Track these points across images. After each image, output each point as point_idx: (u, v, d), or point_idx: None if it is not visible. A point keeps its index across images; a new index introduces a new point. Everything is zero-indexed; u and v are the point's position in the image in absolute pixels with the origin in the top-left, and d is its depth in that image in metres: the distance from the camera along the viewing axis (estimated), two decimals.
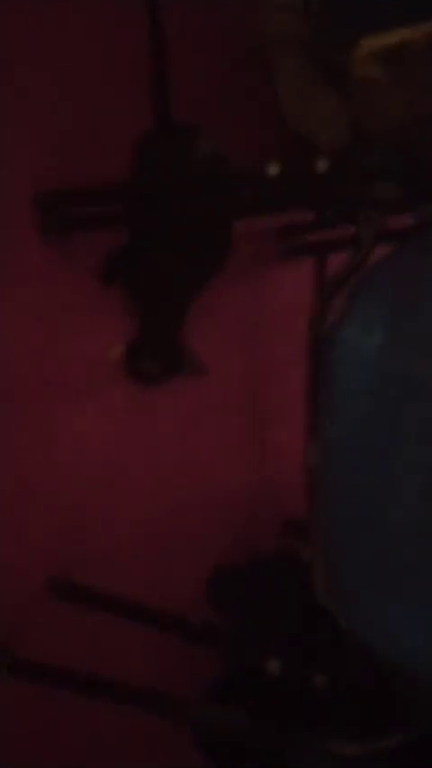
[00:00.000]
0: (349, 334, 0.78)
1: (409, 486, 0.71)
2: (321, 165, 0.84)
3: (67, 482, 1.11)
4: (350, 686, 0.98)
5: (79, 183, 1.05)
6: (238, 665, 1.13)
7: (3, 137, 1.04)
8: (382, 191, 0.82)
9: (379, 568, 0.74)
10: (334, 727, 0.98)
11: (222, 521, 1.22)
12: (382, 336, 0.75)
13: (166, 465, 1.19)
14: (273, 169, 0.86)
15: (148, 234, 1.10)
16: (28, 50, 1.07)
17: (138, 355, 1.13)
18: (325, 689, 0.97)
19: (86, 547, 1.12)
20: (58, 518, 1.10)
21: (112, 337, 1.13)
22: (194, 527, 1.20)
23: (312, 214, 1.16)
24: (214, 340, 1.21)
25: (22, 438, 1.07)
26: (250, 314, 1.26)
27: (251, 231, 1.19)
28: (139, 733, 1.08)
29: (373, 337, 0.76)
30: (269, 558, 1.19)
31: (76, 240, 1.08)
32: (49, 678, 1.01)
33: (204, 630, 1.06)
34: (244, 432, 1.25)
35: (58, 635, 1.06)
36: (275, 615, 1.09)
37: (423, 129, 0.86)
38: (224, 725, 0.96)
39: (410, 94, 0.87)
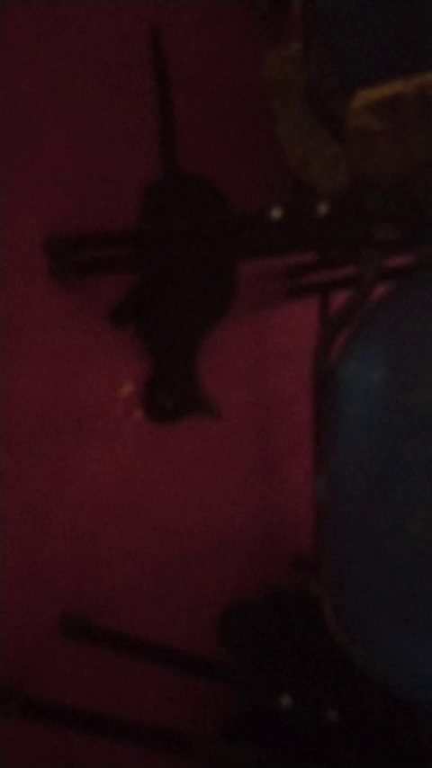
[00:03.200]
0: (352, 368, 0.80)
1: (416, 515, 0.71)
2: (322, 209, 0.86)
3: (80, 520, 1.11)
4: (363, 721, 0.97)
5: (89, 228, 1.08)
6: (251, 702, 1.12)
7: (16, 184, 1.07)
8: (380, 232, 0.84)
9: (390, 599, 0.74)
10: (347, 762, 0.97)
11: (233, 556, 1.22)
12: (384, 370, 0.76)
13: (177, 502, 1.19)
14: (276, 213, 0.87)
15: (157, 277, 1.12)
16: (43, 101, 1.10)
17: (154, 393, 1.15)
18: (338, 724, 0.96)
19: (98, 585, 1.11)
20: (71, 556, 1.10)
21: (123, 376, 1.15)
22: (206, 563, 1.19)
23: (315, 255, 1.19)
24: (222, 378, 1.22)
25: (36, 476, 1.08)
26: (257, 352, 1.27)
27: (257, 272, 1.22)
28: None
29: (375, 371, 0.77)
30: (280, 593, 1.19)
31: (86, 283, 1.10)
32: (59, 718, 1.00)
33: (216, 668, 1.06)
34: (253, 467, 1.26)
35: (70, 674, 1.06)
36: (287, 651, 1.08)
37: (418, 174, 0.88)
38: (238, 763, 0.95)
39: (405, 143, 0.88)
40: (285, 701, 0.96)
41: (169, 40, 1.18)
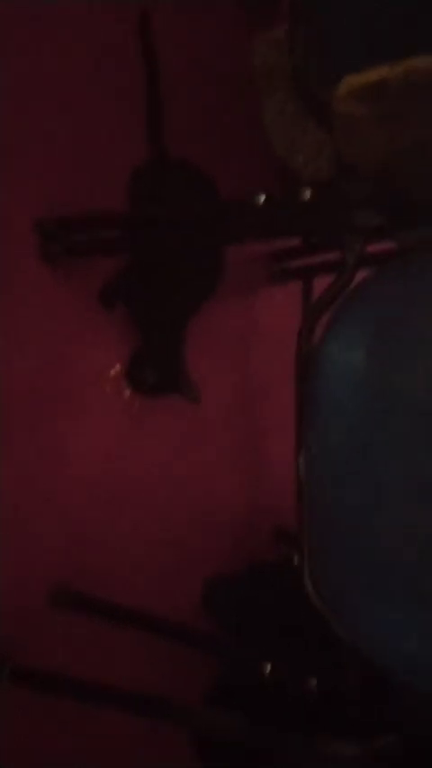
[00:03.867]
0: (334, 351, 0.81)
1: (394, 493, 0.73)
2: (306, 194, 0.86)
3: (70, 495, 1.13)
4: (344, 689, 0.99)
5: (78, 211, 1.08)
6: (233, 670, 1.14)
7: (6, 166, 1.07)
8: (363, 218, 0.85)
9: (367, 573, 0.76)
10: (329, 729, 0.98)
11: (218, 532, 1.24)
12: (365, 353, 0.78)
13: (165, 477, 1.21)
14: (260, 198, 0.88)
15: (146, 258, 1.13)
16: (31, 84, 1.10)
17: (139, 367, 1.16)
18: (318, 691, 0.98)
19: (88, 558, 1.13)
20: (61, 530, 1.11)
21: (111, 356, 1.16)
22: (191, 536, 1.22)
23: (299, 240, 1.20)
24: (208, 359, 1.24)
25: (25, 453, 1.09)
26: (242, 334, 1.29)
27: (242, 256, 1.23)
28: (139, 739, 1.10)
29: (356, 354, 0.78)
30: (263, 566, 1.21)
31: (75, 265, 1.11)
32: (49, 686, 1.02)
33: (201, 637, 1.08)
34: (237, 444, 1.28)
35: (60, 643, 1.08)
36: (269, 621, 1.10)
37: (402, 161, 0.89)
38: (222, 727, 0.97)
39: (390, 129, 0.88)
40: (266, 669, 0.98)
41: (158, 26, 1.18)
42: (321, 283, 1.13)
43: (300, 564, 0.85)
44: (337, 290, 0.85)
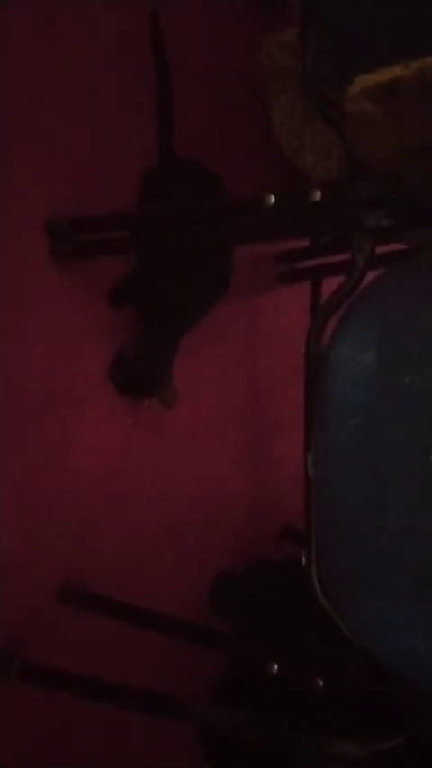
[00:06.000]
0: (344, 351, 0.81)
1: (402, 492, 0.73)
2: (315, 195, 0.86)
3: (78, 493, 1.12)
4: (349, 688, 0.99)
5: (89, 210, 1.08)
6: (241, 668, 1.15)
7: (17, 167, 1.07)
8: (373, 219, 0.85)
9: (375, 572, 0.76)
10: (334, 728, 0.98)
11: (225, 528, 1.24)
12: (374, 353, 0.78)
13: (172, 475, 1.21)
14: (270, 199, 0.88)
15: (155, 259, 1.13)
16: (41, 84, 1.10)
17: (121, 366, 1.13)
18: (324, 691, 0.98)
19: (95, 555, 1.13)
20: (68, 528, 1.11)
21: None
22: (199, 534, 1.22)
23: (307, 241, 1.20)
24: (216, 358, 1.24)
25: (36, 450, 1.09)
26: (250, 333, 1.29)
27: (251, 257, 1.23)
28: (145, 735, 1.10)
29: (366, 353, 0.79)
30: (270, 563, 1.21)
31: (86, 265, 1.11)
32: (57, 683, 1.02)
33: (208, 635, 1.07)
34: (245, 443, 1.28)
35: (68, 640, 1.08)
36: (275, 619, 1.11)
37: (413, 161, 0.89)
38: (228, 725, 0.96)
39: (402, 129, 0.88)
40: (273, 667, 0.97)
41: (168, 25, 1.18)
42: (330, 284, 1.14)
43: (307, 563, 0.86)
44: (347, 291, 0.85)
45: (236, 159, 1.19)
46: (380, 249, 0.88)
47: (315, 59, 1.10)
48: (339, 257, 1.05)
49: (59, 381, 1.11)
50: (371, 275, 0.86)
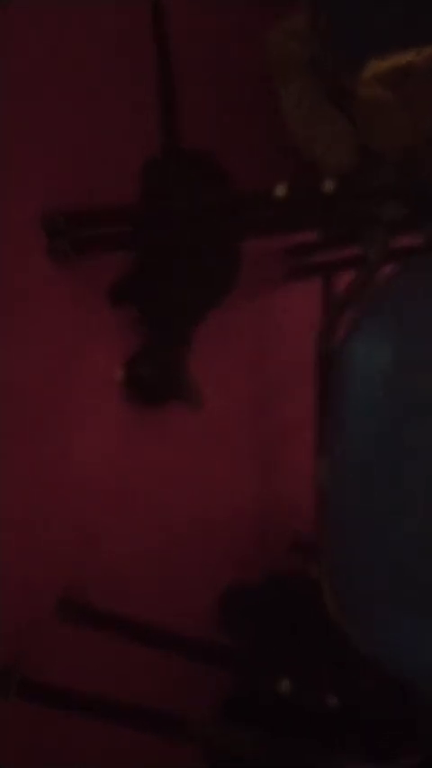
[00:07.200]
0: (358, 350, 0.79)
1: (421, 499, 0.71)
2: (328, 186, 0.85)
3: (79, 502, 1.11)
4: (363, 705, 0.97)
5: (87, 206, 1.07)
6: (249, 685, 1.13)
7: (13, 161, 1.06)
8: (388, 210, 0.83)
9: (393, 583, 0.74)
10: (346, 746, 0.98)
11: (233, 540, 1.22)
12: (391, 352, 0.76)
13: (177, 484, 1.19)
14: (280, 190, 0.87)
15: (157, 255, 1.11)
16: (40, 78, 1.09)
17: (138, 371, 1.12)
18: (336, 708, 0.97)
19: (97, 567, 1.12)
20: (68, 539, 1.10)
21: (121, 357, 1.14)
22: (205, 547, 1.20)
23: (317, 234, 1.18)
24: (224, 358, 1.22)
25: (35, 457, 1.08)
26: (259, 332, 1.27)
27: (260, 251, 1.21)
28: (149, 751, 1.07)
29: (381, 353, 0.77)
30: (279, 577, 1.19)
31: (84, 261, 1.09)
32: (57, 700, 1.01)
33: (215, 651, 1.07)
34: (253, 450, 1.26)
35: (68, 656, 1.06)
36: (286, 635, 1.09)
37: (428, 148, 0.88)
38: (235, 744, 0.96)
39: (415, 115, 0.88)
40: (284, 684, 0.97)
41: (171, 15, 1.16)
42: (342, 280, 1.12)
43: (318, 575, 0.83)
44: (360, 287, 0.83)
45: (242, 151, 1.17)
46: (395, 242, 0.85)
47: (326, 46, 1.08)
48: (352, 251, 1.03)
49: (58, 383, 1.10)
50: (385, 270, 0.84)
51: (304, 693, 0.98)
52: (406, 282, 0.82)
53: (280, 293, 1.27)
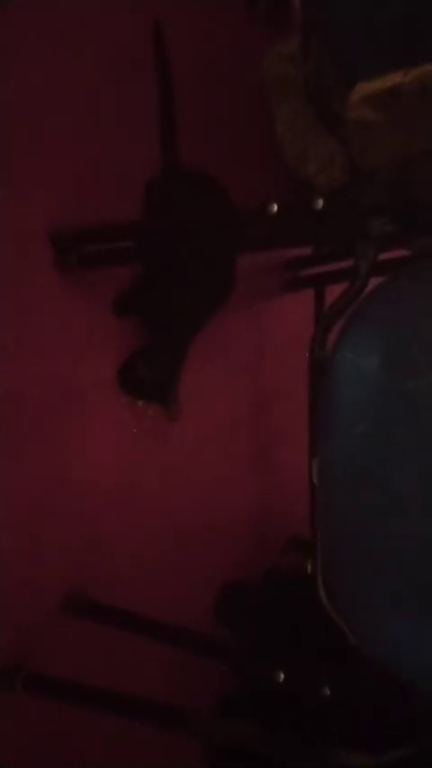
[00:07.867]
0: (348, 357, 0.81)
1: (410, 499, 0.72)
2: (318, 203, 0.86)
3: (83, 502, 1.12)
4: (358, 699, 0.98)
5: (93, 221, 1.09)
6: (247, 678, 1.13)
7: (21, 178, 1.07)
8: (376, 226, 0.85)
9: (383, 583, 0.75)
10: (341, 739, 0.98)
11: (231, 538, 1.23)
12: (378, 359, 0.78)
13: (177, 485, 1.21)
14: (273, 207, 0.87)
15: (159, 268, 1.13)
16: (46, 96, 1.10)
17: (132, 371, 1.14)
18: (331, 701, 0.97)
19: (100, 565, 1.13)
20: (73, 537, 1.11)
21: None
22: (204, 544, 1.21)
23: (311, 249, 1.20)
24: (221, 366, 1.24)
25: (40, 459, 1.09)
26: (254, 341, 1.29)
27: (255, 265, 1.23)
28: (150, 747, 1.08)
29: (369, 360, 0.78)
30: (276, 573, 1.20)
31: (90, 275, 1.11)
32: (63, 694, 1.01)
33: (214, 645, 1.07)
34: (250, 452, 1.28)
35: (73, 651, 1.07)
36: (282, 629, 1.10)
37: (416, 167, 0.89)
38: (235, 736, 0.96)
39: (403, 135, 0.89)
40: (279, 676, 0.96)
41: (171, 36, 1.18)
42: (333, 292, 1.14)
43: (313, 572, 0.85)
44: (351, 298, 0.85)
45: (239, 168, 1.20)
46: (383, 256, 0.88)
47: (316, 68, 1.10)
48: (342, 264, 1.05)
49: (64, 392, 1.11)
50: (374, 282, 0.86)
51: (299, 686, 0.97)
52: (392, 293, 0.84)
53: (275, 304, 1.29)
